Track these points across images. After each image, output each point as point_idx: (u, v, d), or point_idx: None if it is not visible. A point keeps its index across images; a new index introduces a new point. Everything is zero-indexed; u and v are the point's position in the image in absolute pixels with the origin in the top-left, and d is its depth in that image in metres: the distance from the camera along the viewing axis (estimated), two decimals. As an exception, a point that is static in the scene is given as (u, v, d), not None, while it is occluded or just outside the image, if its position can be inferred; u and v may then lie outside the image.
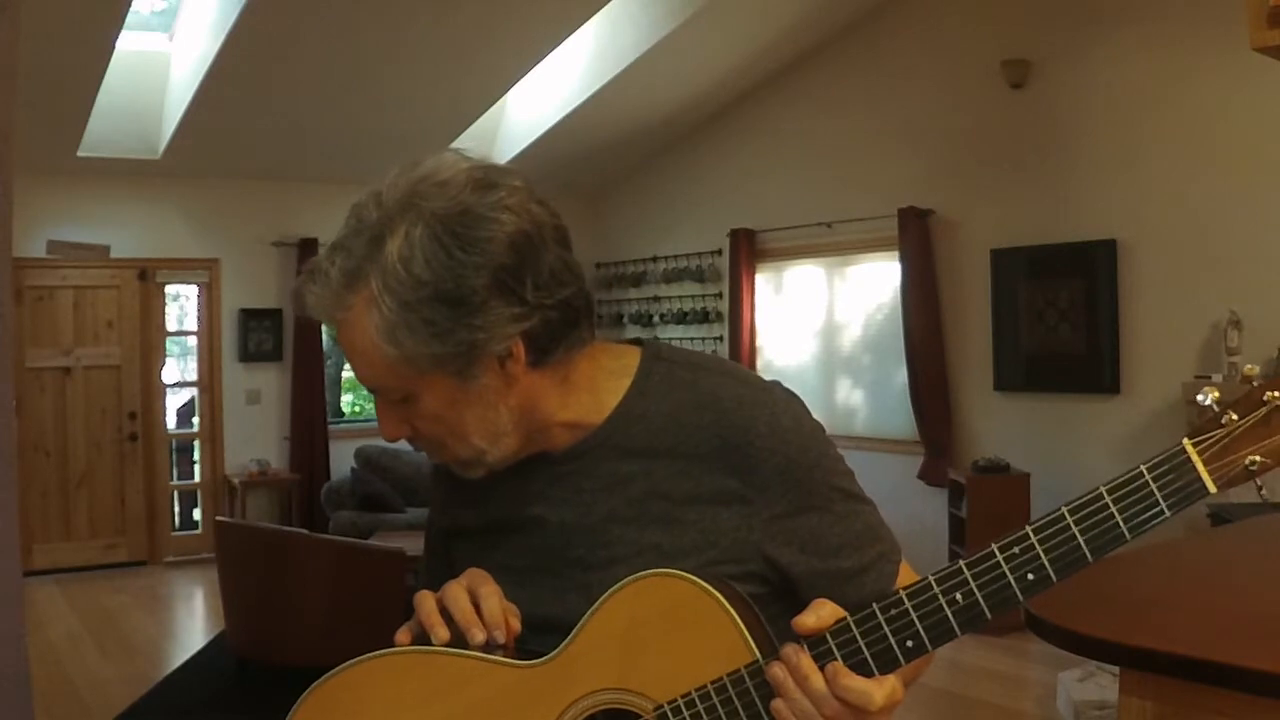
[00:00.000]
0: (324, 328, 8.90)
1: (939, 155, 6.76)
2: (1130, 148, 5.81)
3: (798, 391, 1.26)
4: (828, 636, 0.99)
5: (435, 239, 1.02)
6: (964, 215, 6.63)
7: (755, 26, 7.02)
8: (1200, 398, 0.96)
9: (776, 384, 1.21)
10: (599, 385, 1.15)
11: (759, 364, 7.95)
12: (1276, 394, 0.92)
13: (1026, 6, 6.28)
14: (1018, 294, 6.31)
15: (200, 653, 5.61)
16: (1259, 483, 0.93)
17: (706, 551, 1.08)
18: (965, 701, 4.70)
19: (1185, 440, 0.93)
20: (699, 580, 1.01)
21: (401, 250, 1.02)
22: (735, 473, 1.10)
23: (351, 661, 1.10)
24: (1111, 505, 0.93)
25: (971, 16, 6.57)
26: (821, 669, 0.98)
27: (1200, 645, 1.61)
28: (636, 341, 1.21)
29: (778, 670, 0.99)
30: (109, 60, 6.07)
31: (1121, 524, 0.93)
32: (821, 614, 1.00)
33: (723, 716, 1.01)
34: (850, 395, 7.43)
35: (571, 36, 6.75)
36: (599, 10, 6.50)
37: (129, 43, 6.51)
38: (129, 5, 5.56)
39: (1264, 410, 0.92)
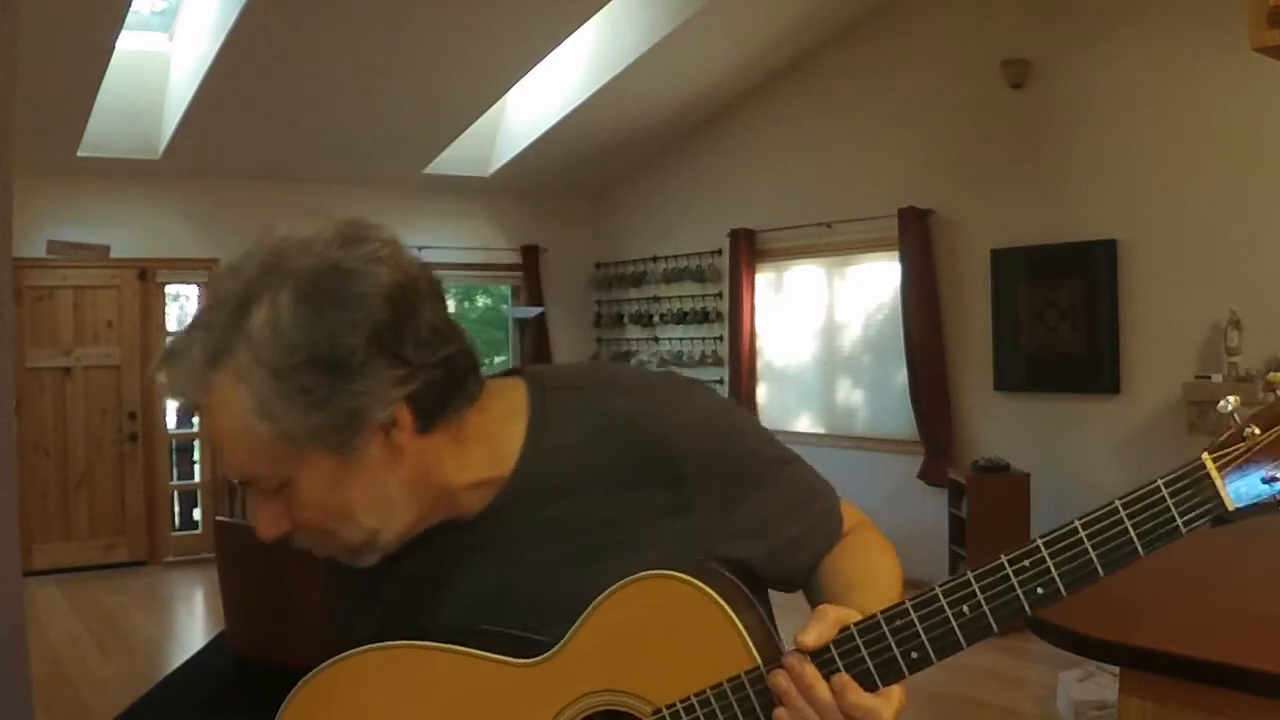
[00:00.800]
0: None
1: (939, 155, 6.76)
2: (1130, 147, 5.81)
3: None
4: (830, 646, 0.96)
5: (305, 299, 0.94)
6: (964, 215, 6.63)
7: (755, 26, 7.02)
8: (1222, 405, 0.92)
9: (671, 376, 1.16)
10: (494, 435, 1.07)
11: (759, 364, 7.95)
12: None
13: (1026, 6, 6.28)
14: (1018, 294, 6.31)
15: (200, 653, 5.61)
16: (1277, 497, 0.89)
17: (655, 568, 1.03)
18: (965, 701, 4.70)
19: (1205, 455, 0.89)
20: (698, 582, 0.98)
21: (269, 315, 0.94)
22: (665, 485, 1.06)
23: (344, 655, 1.08)
24: (1126, 520, 0.90)
25: (971, 16, 6.57)
26: (826, 678, 0.96)
27: (1200, 645, 1.61)
28: (513, 371, 1.14)
29: (781, 679, 0.96)
30: (109, 60, 6.07)
31: (1135, 539, 0.90)
32: (823, 628, 0.97)
33: None
34: (850, 395, 7.43)
35: (571, 36, 6.75)
36: (599, 10, 6.50)
37: (129, 43, 6.51)
38: (129, 5, 5.56)
39: None
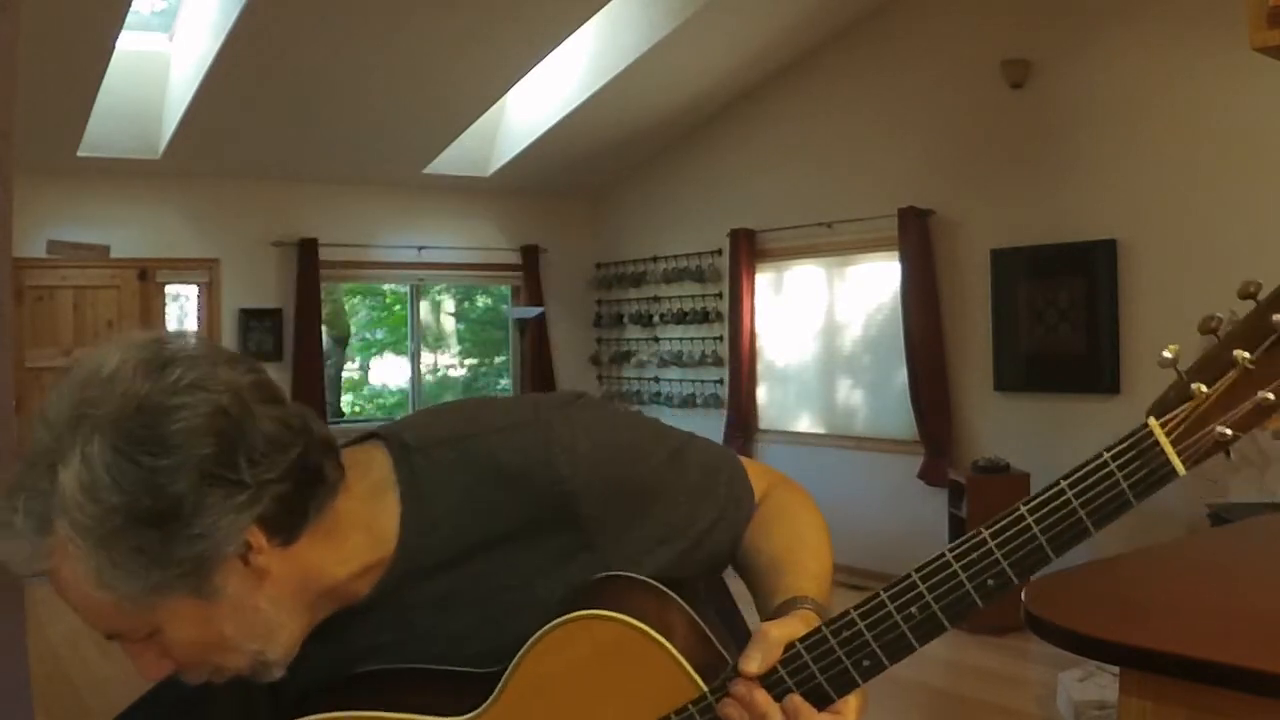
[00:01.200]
0: (324, 330, 8.92)
1: (939, 155, 6.76)
2: (1130, 147, 5.81)
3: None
4: (779, 667, 0.92)
5: (117, 451, 0.85)
6: (964, 215, 6.63)
7: (755, 27, 7.01)
8: (1166, 354, 0.87)
9: (540, 403, 1.06)
10: (366, 517, 0.99)
11: (759, 364, 7.95)
12: (1245, 354, 0.83)
13: (1026, 6, 6.28)
14: (1018, 294, 6.31)
15: (200, 653, 5.61)
16: (1229, 452, 0.84)
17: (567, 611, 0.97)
18: (965, 701, 4.70)
19: (1150, 420, 0.84)
20: (625, 618, 0.93)
21: (80, 477, 0.85)
22: (560, 527, 1.00)
23: None
24: (1073, 499, 0.86)
25: (971, 16, 6.57)
26: (778, 700, 0.91)
27: (1200, 645, 1.61)
28: (369, 436, 1.05)
29: (731, 710, 0.91)
30: (109, 60, 6.07)
31: (1085, 517, 0.86)
32: (766, 652, 0.92)
33: None
34: (850, 395, 7.43)
35: (571, 36, 6.75)
36: (599, 10, 6.50)
37: (129, 43, 6.51)
38: (129, 5, 5.56)
39: (1233, 375, 0.83)
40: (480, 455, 1.01)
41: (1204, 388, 0.83)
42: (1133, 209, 5.78)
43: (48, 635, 5.90)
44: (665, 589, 0.99)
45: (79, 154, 7.15)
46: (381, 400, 11.24)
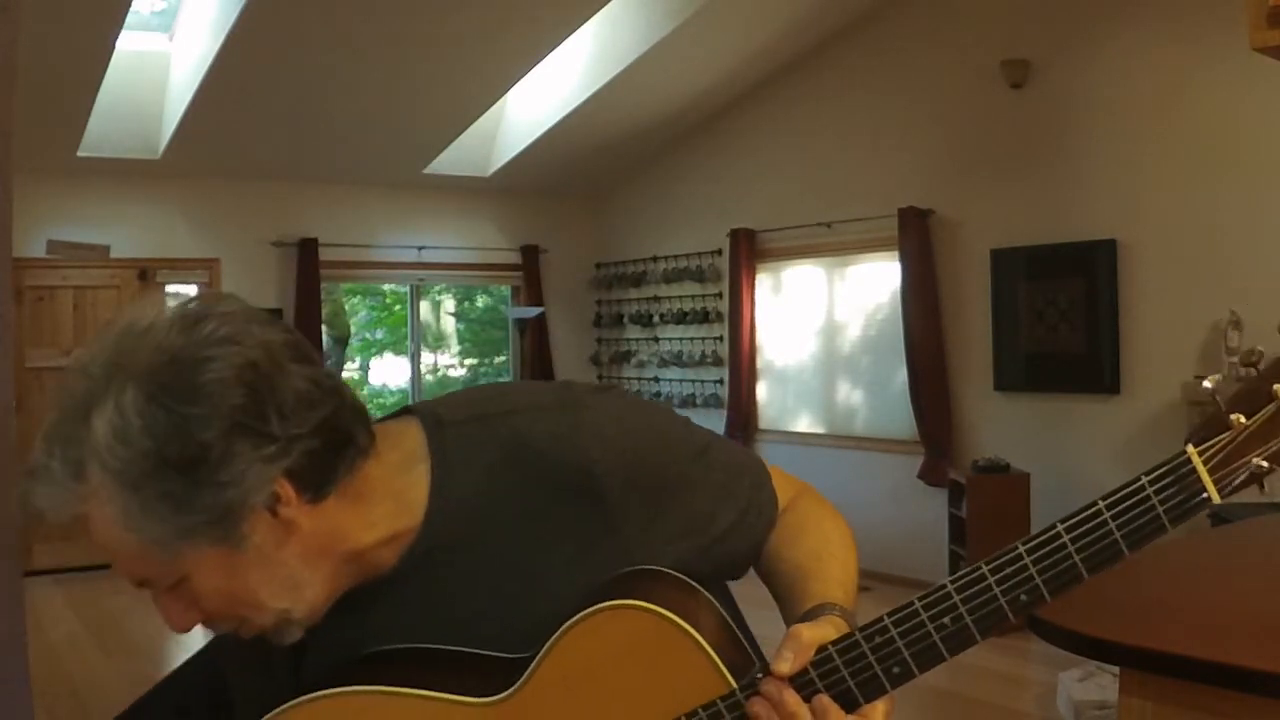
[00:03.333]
0: (324, 330, 8.92)
1: (939, 155, 6.76)
2: (1130, 147, 5.80)
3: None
4: (809, 669, 0.93)
5: (149, 399, 0.89)
6: (964, 215, 6.63)
7: (755, 27, 7.02)
8: (1206, 384, 0.88)
9: (573, 389, 1.08)
10: (397, 485, 1.01)
11: (759, 364, 7.95)
12: None
13: (1026, 6, 6.28)
14: (1018, 294, 6.31)
15: (200, 653, 5.60)
16: (1264, 484, 0.85)
17: (595, 595, 0.97)
18: (965, 701, 4.70)
19: (1189, 447, 0.85)
20: (659, 609, 0.93)
21: (113, 423, 0.89)
22: (585, 509, 1.01)
23: (295, 701, 1.00)
24: (1110, 521, 0.87)
25: (971, 16, 6.57)
26: (806, 700, 0.92)
27: (1200, 645, 1.61)
28: (404, 411, 1.07)
29: (759, 708, 0.92)
30: (109, 60, 6.07)
31: (1120, 539, 0.87)
32: (798, 653, 0.93)
33: None
34: (850, 395, 7.43)
35: (571, 36, 6.75)
36: (599, 10, 6.50)
37: (129, 43, 6.51)
38: (129, 5, 5.56)
39: (1273, 408, 0.83)
40: (512, 434, 1.02)
41: (1243, 419, 0.83)
42: (1133, 209, 5.78)
43: (48, 636, 5.90)
44: (695, 584, 0.99)
45: (79, 154, 7.15)
46: (381, 400, 11.25)
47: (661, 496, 1.04)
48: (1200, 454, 0.85)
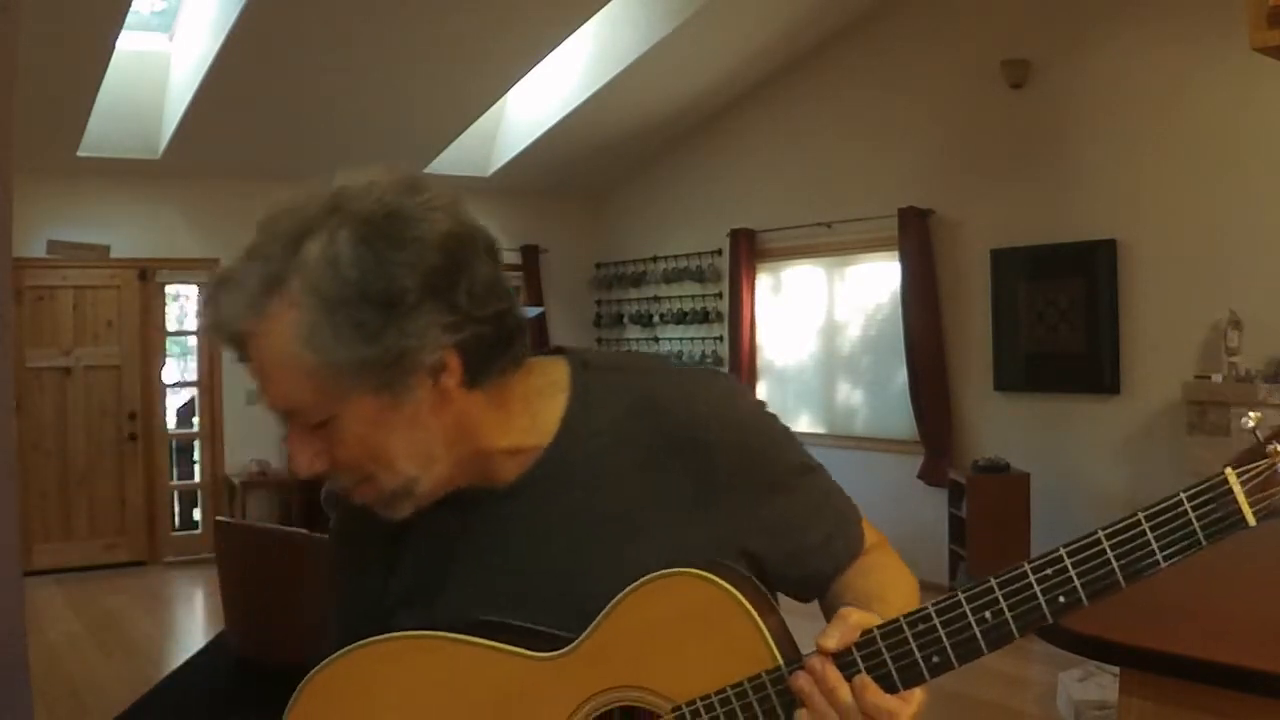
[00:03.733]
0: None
1: (939, 155, 6.76)
2: (1130, 148, 5.81)
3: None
4: (853, 649, 0.96)
5: (363, 240, 0.95)
6: (964, 215, 6.63)
7: (755, 27, 7.02)
8: (1245, 422, 0.93)
9: (714, 372, 1.18)
10: (535, 405, 1.08)
11: (759, 364, 7.95)
12: None
13: (1026, 6, 6.28)
14: (1018, 294, 6.31)
15: (200, 653, 5.60)
16: None
17: (680, 559, 1.02)
18: (965, 701, 4.70)
19: (1228, 470, 0.89)
20: (721, 581, 0.98)
21: (326, 250, 0.95)
22: (694, 474, 1.06)
23: (355, 645, 1.06)
24: (1149, 532, 0.91)
25: (971, 16, 6.57)
26: (847, 680, 0.96)
27: (1200, 645, 1.61)
28: (557, 350, 1.15)
29: (803, 681, 0.96)
30: (109, 60, 6.07)
31: (1157, 551, 0.91)
32: (844, 631, 0.97)
33: None
34: (850, 395, 7.43)
35: (571, 36, 6.75)
36: (599, 10, 6.50)
37: (129, 43, 6.51)
38: (129, 5, 5.56)
39: None
40: (646, 389, 1.09)
41: None
42: (1133, 209, 5.79)
43: (48, 635, 5.90)
44: (760, 584, 1.04)
45: (79, 154, 7.15)
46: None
47: (762, 490, 1.09)
48: (1238, 476, 0.89)
